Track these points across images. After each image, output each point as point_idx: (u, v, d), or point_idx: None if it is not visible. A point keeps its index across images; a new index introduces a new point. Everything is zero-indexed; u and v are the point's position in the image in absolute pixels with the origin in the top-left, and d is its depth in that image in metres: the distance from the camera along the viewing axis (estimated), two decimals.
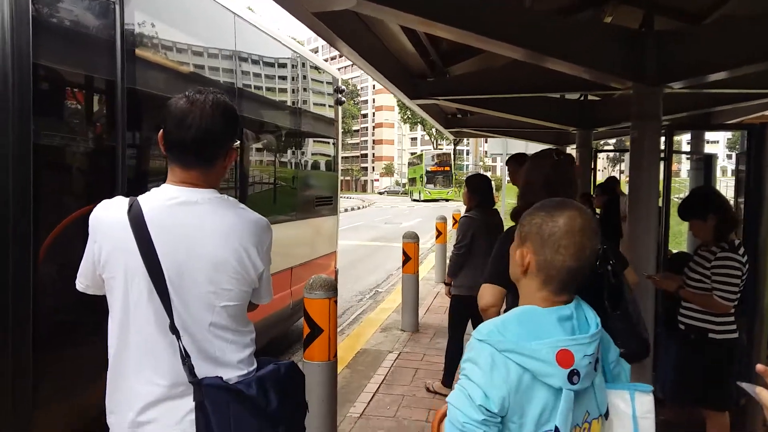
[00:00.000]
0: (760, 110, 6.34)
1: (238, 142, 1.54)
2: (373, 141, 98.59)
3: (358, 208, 32.87)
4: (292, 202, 5.54)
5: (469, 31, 2.90)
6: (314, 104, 6.21)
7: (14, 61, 2.11)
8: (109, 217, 1.40)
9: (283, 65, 5.32)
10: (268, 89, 5.09)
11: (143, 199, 1.40)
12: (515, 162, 4.53)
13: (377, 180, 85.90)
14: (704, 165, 6.92)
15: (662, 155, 3.70)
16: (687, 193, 4.27)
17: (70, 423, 2.55)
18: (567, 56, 3.38)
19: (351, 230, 18.19)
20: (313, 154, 6.38)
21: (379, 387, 4.35)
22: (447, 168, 45.73)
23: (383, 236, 17.16)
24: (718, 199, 3.03)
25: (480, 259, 4.02)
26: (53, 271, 2.42)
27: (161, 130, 1.44)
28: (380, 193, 68.79)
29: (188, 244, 1.37)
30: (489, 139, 17.94)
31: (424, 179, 45.54)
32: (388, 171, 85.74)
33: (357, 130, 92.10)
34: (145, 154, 3.18)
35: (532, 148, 16.94)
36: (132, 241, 1.34)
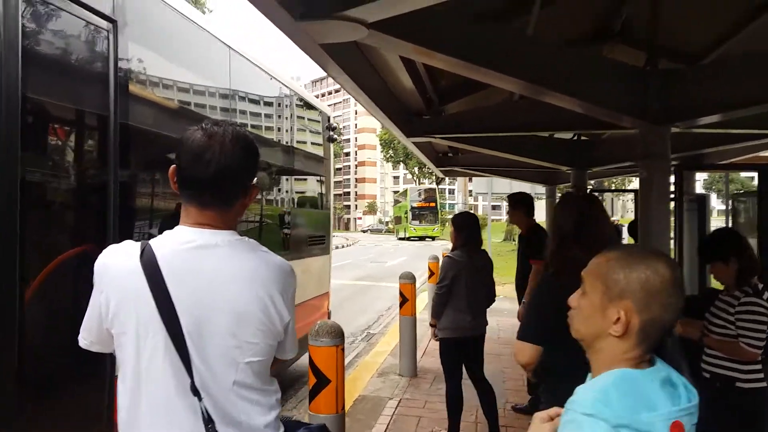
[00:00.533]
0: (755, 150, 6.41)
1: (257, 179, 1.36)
2: (356, 179, 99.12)
3: (343, 246, 32.57)
4: (285, 241, 5.35)
5: (471, 62, 2.81)
6: (306, 141, 6.10)
7: (1, 92, 1.96)
8: (118, 263, 1.23)
9: (276, 101, 5.22)
10: (263, 126, 4.97)
11: (156, 244, 1.24)
12: (518, 202, 4.45)
13: (360, 218, 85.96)
14: (698, 206, 6.92)
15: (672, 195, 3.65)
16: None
17: None
18: (571, 91, 3.32)
19: (337, 269, 17.83)
20: (305, 192, 6.23)
21: None
22: (433, 204, 44.38)
23: (370, 275, 16.92)
24: (740, 240, 2.92)
25: (463, 301, 3.88)
26: (41, 317, 2.21)
27: (173, 167, 1.28)
28: (363, 231, 68.67)
29: (208, 293, 1.21)
30: (474, 178, 18.06)
31: (409, 216, 44.23)
32: (371, 209, 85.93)
33: (339, 169, 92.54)
34: (139, 192, 3.00)
35: (516, 186, 17.16)
36: (145, 291, 1.17)
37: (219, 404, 1.20)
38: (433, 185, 47.83)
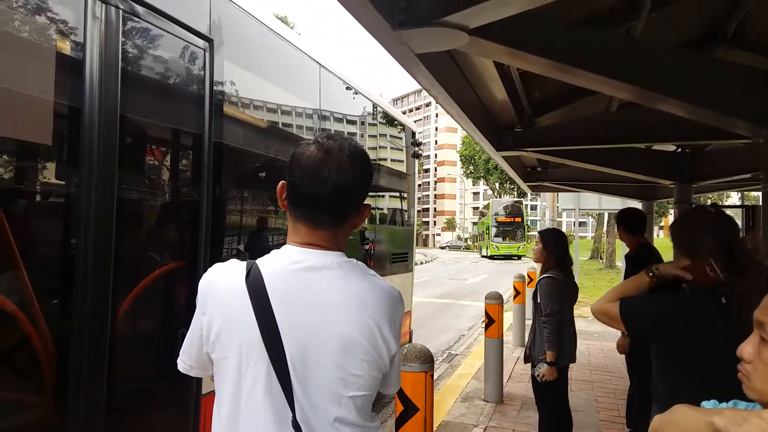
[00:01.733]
0: None
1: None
2: (435, 195, 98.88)
3: (422, 262, 32.40)
4: (368, 258, 5.28)
5: (576, 66, 2.61)
6: (391, 157, 6.04)
7: (101, 112, 2.00)
8: (224, 283, 1.15)
9: (362, 117, 5.20)
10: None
11: (262, 263, 1.16)
12: (630, 219, 4.10)
13: (439, 234, 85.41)
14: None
15: None
16: None
17: None
18: (683, 96, 3.00)
19: (416, 286, 17.78)
20: (389, 209, 6.16)
21: None
22: (519, 219, 39.22)
23: (450, 293, 16.62)
24: None
25: (569, 326, 3.59)
26: (133, 333, 2.23)
27: (282, 183, 1.20)
28: (442, 248, 67.43)
29: (314, 319, 1.12)
30: (560, 194, 17.36)
31: (492, 232, 39.12)
32: (450, 226, 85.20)
33: (419, 185, 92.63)
34: (231, 211, 3.03)
35: (605, 202, 16.28)
36: (250, 314, 1.09)
37: None
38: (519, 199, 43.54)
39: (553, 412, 3.70)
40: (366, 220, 5.45)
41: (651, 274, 1.90)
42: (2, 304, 1.76)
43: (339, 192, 1.15)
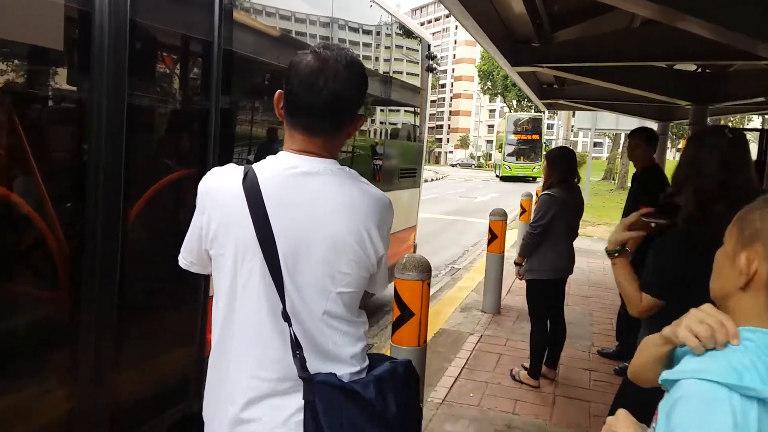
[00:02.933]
0: None
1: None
2: (450, 112, 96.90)
3: (432, 179, 32.44)
4: (375, 172, 5.35)
5: None
6: (404, 71, 5.93)
7: (111, 18, 2.00)
8: (222, 186, 1.23)
9: (377, 27, 5.06)
10: (362, 56, 4.86)
11: (259, 168, 1.23)
12: (642, 137, 4.07)
13: (451, 152, 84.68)
14: None
15: None
16: None
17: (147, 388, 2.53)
18: (708, 15, 2.90)
19: (425, 202, 17.91)
20: (398, 123, 6.13)
21: (460, 372, 4.14)
22: (536, 136, 34.77)
23: (458, 210, 16.81)
24: None
25: (562, 242, 3.74)
26: (143, 237, 2.36)
27: (279, 92, 1.25)
28: (452, 166, 66.36)
29: (307, 220, 1.20)
30: (577, 113, 16.99)
31: (505, 150, 35.06)
32: (464, 143, 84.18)
33: (434, 101, 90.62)
34: (240, 119, 3.06)
35: (623, 122, 15.93)
36: (245, 215, 1.17)
37: (308, 332, 1.21)
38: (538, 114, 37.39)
39: (541, 323, 3.91)
40: (376, 133, 5.45)
41: (616, 255, 1.80)
42: (19, 206, 1.87)
43: (334, 101, 1.19)
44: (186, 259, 1.34)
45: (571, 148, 4.60)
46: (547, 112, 24.57)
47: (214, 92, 2.59)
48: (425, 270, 2.77)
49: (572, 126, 18.14)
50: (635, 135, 4.11)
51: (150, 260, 2.49)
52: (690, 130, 6.45)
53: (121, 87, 2.05)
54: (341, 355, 1.25)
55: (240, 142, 3.11)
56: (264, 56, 3.29)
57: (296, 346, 1.16)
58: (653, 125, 9.85)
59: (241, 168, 1.23)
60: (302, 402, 1.17)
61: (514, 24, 4.64)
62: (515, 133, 35.23)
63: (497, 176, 36.40)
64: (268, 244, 1.16)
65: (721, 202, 1.66)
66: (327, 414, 1.15)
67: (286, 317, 1.16)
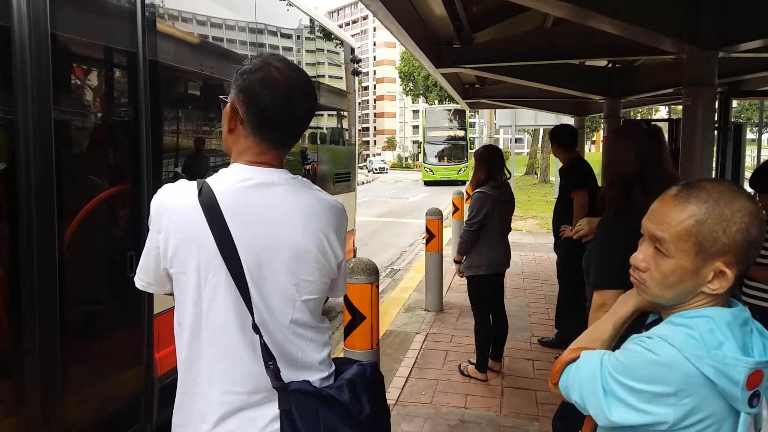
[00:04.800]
0: None
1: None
2: (375, 114, 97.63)
3: (362, 183, 32.51)
4: (311, 178, 5.30)
5: None
6: (330, 75, 5.92)
7: (31, 31, 1.87)
8: (177, 202, 1.20)
9: (298, 31, 5.03)
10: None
11: (213, 182, 1.22)
12: (554, 139, 4.32)
13: (379, 154, 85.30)
14: (734, 135, 6.65)
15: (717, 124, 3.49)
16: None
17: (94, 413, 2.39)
18: (617, 14, 3.11)
19: (358, 205, 18.03)
20: (329, 128, 6.12)
21: (410, 371, 4.18)
22: (460, 133, 29.68)
23: (391, 211, 16.98)
24: None
25: (497, 237, 3.88)
26: (78, 257, 2.23)
27: (230, 104, 1.24)
28: (369, 171, 63.51)
29: (266, 231, 1.20)
30: (498, 111, 17.60)
31: (425, 151, 29.85)
32: (390, 145, 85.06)
33: (359, 103, 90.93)
34: (169, 131, 2.95)
35: (541, 118, 16.68)
36: (205, 229, 1.15)
37: (277, 342, 1.21)
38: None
39: (484, 317, 4.03)
40: (307, 138, 5.39)
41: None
42: None
43: (305, 117, 1.27)
44: (143, 280, 1.29)
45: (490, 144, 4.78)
46: (469, 111, 24.90)
47: (143, 104, 2.48)
48: (373, 272, 2.78)
49: (494, 123, 18.73)
50: (551, 139, 4.42)
51: (90, 280, 2.35)
52: (605, 122, 6.85)
53: (47, 103, 1.92)
54: (310, 362, 1.26)
55: (169, 153, 2.99)
56: (189, 65, 3.19)
57: (269, 356, 1.16)
58: (570, 120, 10.40)
59: (194, 183, 1.21)
60: (277, 411, 1.17)
61: (437, 26, 4.75)
62: (435, 130, 30.03)
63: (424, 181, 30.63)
64: (232, 257, 1.15)
65: (638, 189, 1.78)
66: (305, 421, 1.16)
67: (256, 329, 1.16)
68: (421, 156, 30.59)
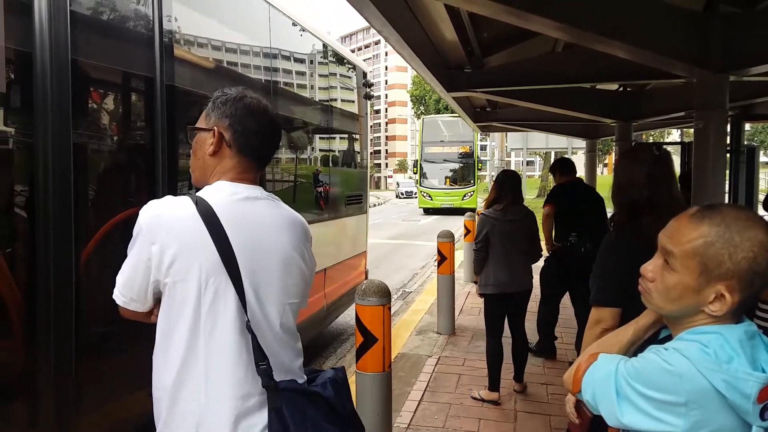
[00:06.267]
0: None
1: None
2: (386, 137, 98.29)
3: (375, 205, 32.59)
4: (323, 200, 5.34)
5: (514, 7, 2.67)
6: (343, 98, 6.00)
7: (53, 56, 1.93)
8: (174, 214, 1.27)
9: (312, 56, 5.12)
10: (299, 85, 4.89)
11: (205, 195, 1.31)
12: (561, 166, 4.61)
13: (391, 176, 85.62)
14: (747, 158, 6.61)
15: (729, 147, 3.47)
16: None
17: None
18: (622, 38, 3.13)
19: (370, 228, 18.04)
20: (341, 151, 6.18)
21: (423, 394, 4.13)
22: (465, 149, 24.16)
23: (403, 234, 16.96)
24: None
25: (499, 258, 3.95)
26: (95, 277, 2.26)
27: (216, 128, 1.36)
28: (398, 197, 62.07)
29: (261, 239, 1.32)
30: (509, 133, 17.68)
31: (423, 171, 24.30)
32: (402, 167, 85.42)
33: (370, 126, 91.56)
34: (185, 154, 3.00)
35: (552, 141, 16.68)
36: (206, 237, 1.23)
37: (268, 344, 1.27)
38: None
39: (492, 336, 4.02)
40: (320, 161, 5.46)
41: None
42: None
43: (279, 139, 1.46)
44: (125, 296, 1.31)
45: (506, 168, 5.02)
46: (480, 134, 24.39)
47: (159, 127, 2.54)
48: (385, 294, 2.78)
49: (506, 146, 18.76)
50: (552, 168, 4.91)
51: (107, 300, 2.37)
52: (617, 145, 6.84)
53: (66, 126, 1.97)
54: (293, 367, 1.35)
55: (185, 175, 3.04)
56: (205, 89, 3.25)
57: (261, 357, 1.23)
58: (581, 143, 10.40)
59: (184, 197, 1.29)
60: (266, 420, 1.23)
61: (448, 51, 4.82)
62: (433, 145, 24.53)
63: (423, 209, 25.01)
64: (231, 263, 1.24)
65: (647, 213, 1.77)
66: (295, 419, 1.23)
67: (250, 330, 1.23)
68: (417, 176, 25.04)
